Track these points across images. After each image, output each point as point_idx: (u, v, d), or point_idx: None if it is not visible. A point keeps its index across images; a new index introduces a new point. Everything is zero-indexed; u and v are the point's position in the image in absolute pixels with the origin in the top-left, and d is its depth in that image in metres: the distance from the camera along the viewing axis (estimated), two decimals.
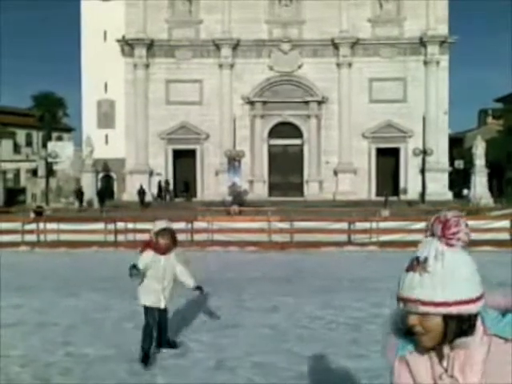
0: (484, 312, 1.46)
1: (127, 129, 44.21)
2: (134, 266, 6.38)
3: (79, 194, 37.94)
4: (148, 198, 40.67)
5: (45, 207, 31.62)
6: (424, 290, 1.42)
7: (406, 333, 1.49)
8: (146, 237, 22.00)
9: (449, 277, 1.41)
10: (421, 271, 1.43)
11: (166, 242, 6.34)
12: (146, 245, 6.56)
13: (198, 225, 20.92)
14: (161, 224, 6.42)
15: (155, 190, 43.07)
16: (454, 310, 1.40)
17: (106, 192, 41.40)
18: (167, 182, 43.39)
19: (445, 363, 1.46)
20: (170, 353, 7.11)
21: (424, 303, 1.42)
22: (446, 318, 1.41)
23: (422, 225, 21.05)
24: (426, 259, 1.44)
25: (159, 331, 6.97)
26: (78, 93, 45.60)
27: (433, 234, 1.49)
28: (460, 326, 1.42)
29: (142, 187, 41.03)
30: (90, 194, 38.66)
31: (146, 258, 6.39)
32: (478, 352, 1.43)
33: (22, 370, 6.50)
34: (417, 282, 1.43)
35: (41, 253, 18.99)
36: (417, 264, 1.45)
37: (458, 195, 41.94)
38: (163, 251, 6.38)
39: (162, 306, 6.56)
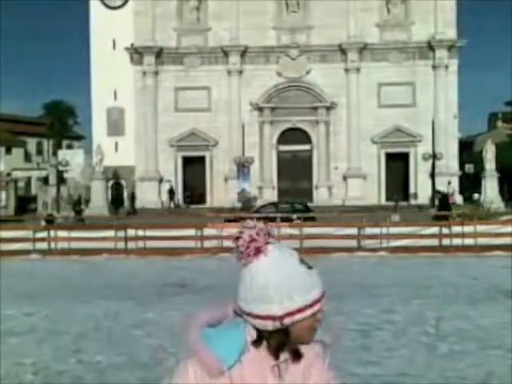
0: None
1: (137, 136, 44.42)
2: None
3: (132, 199, 39.94)
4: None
5: (55, 215, 31.77)
6: (321, 281, 1.47)
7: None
8: (156, 244, 21.80)
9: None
10: (310, 268, 1.46)
11: None
12: None
13: (208, 231, 20.94)
14: None
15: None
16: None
17: (120, 200, 42.13)
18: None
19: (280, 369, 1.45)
20: None
21: (323, 295, 1.47)
22: None
23: (432, 230, 20.98)
24: (302, 259, 1.48)
25: None
26: (88, 101, 45.95)
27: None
28: None
29: (172, 187, 41.64)
30: (100, 201, 38.90)
31: None
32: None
33: (34, 378, 6.55)
34: (318, 276, 1.47)
35: (52, 261, 19.08)
36: (305, 263, 1.47)
37: (468, 199, 41.69)
38: None
39: None
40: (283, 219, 23.69)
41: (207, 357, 1.39)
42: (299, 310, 1.40)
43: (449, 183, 39.98)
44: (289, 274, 1.41)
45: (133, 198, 40.77)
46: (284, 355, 1.44)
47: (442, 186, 38.64)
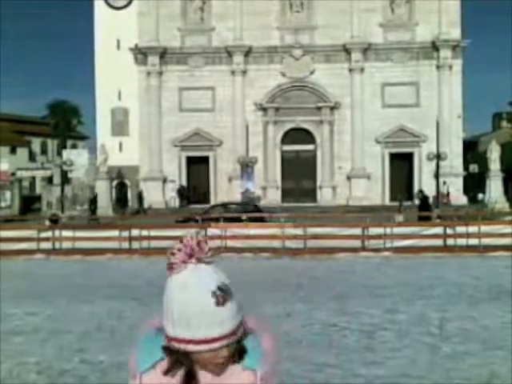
0: None
1: (141, 136, 44.50)
2: None
3: (140, 198, 40.77)
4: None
5: (60, 215, 31.82)
6: (234, 320, 1.38)
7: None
8: (160, 244, 21.94)
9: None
10: (226, 301, 1.37)
11: None
12: None
13: (212, 231, 20.93)
14: None
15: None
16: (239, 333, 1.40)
17: (124, 199, 42.33)
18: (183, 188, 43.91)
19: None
20: None
21: (234, 332, 1.37)
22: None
23: (436, 230, 20.93)
24: (226, 286, 1.40)
25: None
26: (92, 101, 46.07)
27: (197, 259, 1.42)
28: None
29: (182, 186, 41.87)
30: (104, 201, 38.99)
31: None
32: None
33: (38, 377, 6.57)
34: (230, 314, 1.37)
35: (56, 260, 19.11)
36: (222, 295, 1.37)
37: (472, 200, 41.59)
38: None
39: None
40: (232, 219, 23.94)
41: (131, 357, 1.43)
42: (189, 341, 1.34)
43: (444, 183, 40.04)
44: (191, 302, 1.34)
45: (140, 197, 40.93)
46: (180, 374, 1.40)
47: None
